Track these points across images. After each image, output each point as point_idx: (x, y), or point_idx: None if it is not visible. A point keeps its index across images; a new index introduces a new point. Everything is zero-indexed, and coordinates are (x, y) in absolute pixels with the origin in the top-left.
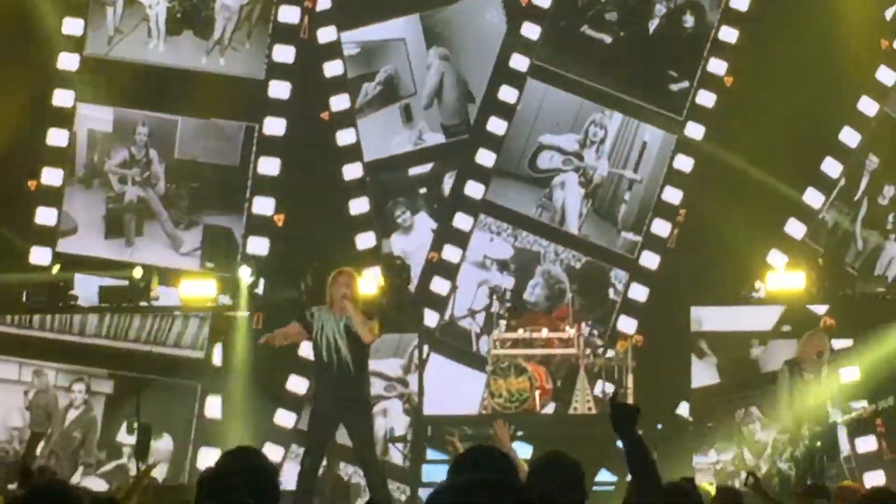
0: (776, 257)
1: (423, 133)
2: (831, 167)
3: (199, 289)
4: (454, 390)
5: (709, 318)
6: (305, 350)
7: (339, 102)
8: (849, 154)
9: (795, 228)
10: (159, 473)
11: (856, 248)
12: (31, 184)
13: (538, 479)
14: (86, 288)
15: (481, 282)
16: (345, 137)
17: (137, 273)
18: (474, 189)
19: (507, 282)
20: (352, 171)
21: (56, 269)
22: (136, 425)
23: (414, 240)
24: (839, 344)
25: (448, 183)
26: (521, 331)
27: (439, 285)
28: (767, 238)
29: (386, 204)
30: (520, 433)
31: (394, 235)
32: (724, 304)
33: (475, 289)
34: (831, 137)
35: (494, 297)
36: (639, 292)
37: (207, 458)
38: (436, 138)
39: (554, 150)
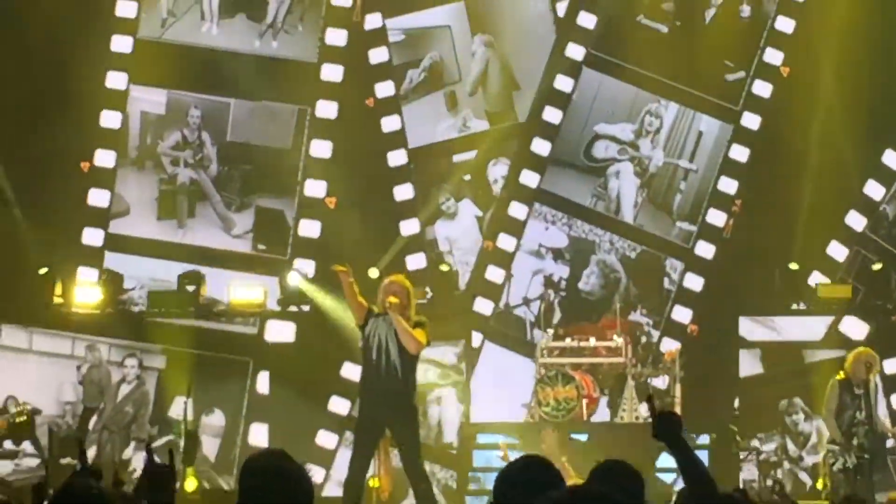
0: (836, 249)
1: (467, 120)
2: (892, 159)
3: (247, 293)
4: (508, 379)
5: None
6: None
7: (384, 89)
8: None
9: (856, 220)
10: (211, 450)
11: None
12: (84, 165)
13: (600, 487)
14: (133, 268)
15: (536, 271)
16: (390, 124)
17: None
18: (529, 178)
19: (562, 271)
20: (396, 158)
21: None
22: (182, 430)
23: (458, 226)
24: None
25: (492, 171)
26: (568, 339)
27: (494, 274)
28: (827, 230)
29: (430, 190)
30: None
31: (438, 222)
32: (771, 313)
33: (530, 277)
34: (892, 129)
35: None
36: (694, 282)
37: (257, 434)
38: (480, 125)
39: (609, 139)
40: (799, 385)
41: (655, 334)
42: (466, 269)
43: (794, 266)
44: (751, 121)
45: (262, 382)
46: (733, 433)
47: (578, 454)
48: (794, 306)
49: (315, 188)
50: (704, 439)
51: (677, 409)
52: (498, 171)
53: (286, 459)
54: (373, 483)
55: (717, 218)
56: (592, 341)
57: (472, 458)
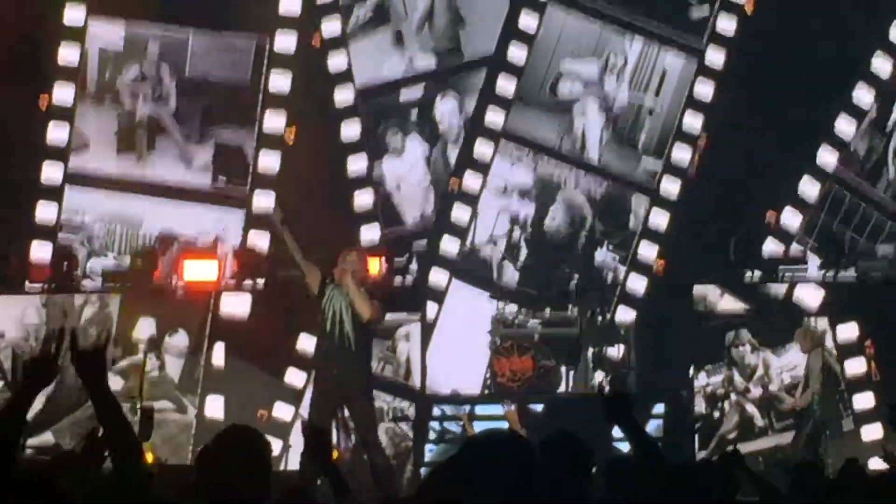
0: (808, 186)
1: (414, 57)
2: (863, 95)
3: (201, 272)
4: (475, 318)
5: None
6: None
7: (331, 27)
8: (880, 83)
9: (827, 156)
10: (175, 371)
11: (888, 177)
12: (43, 100)
13: (548, 459)
14: (93, 203)
15: (502, 209)
16: (337, 62)
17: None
18: (495, 116)
19: (528, 209)
20: (343, 96)
21: None
22: (139, 406)
23: (405, 162)
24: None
25: (439, 107)
26: (523, 311)
27: (460, 213)
28: (799, 166)
29: (377, 127)
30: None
31: (385, 158)
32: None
33: (496, 216)
34: (862, 66)
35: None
36: (660, 218)
37: (213, 407)
38: (427, 62)
39: (574, 77)
40: (745, 317)
41: (622, 270)
42: (414, 204)
43: (770, 215)
44: (716, 57)
45: (218, 354)
46: (688, 402)
47: (536, 427)
48: (748, 275)
49: (274, 121)
50: (660, 408)
51: (632, 379)
52: (445, 107)
53: (242, 429)
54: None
55: (682, 155)
56: (548, 312)
57: (427, 430)
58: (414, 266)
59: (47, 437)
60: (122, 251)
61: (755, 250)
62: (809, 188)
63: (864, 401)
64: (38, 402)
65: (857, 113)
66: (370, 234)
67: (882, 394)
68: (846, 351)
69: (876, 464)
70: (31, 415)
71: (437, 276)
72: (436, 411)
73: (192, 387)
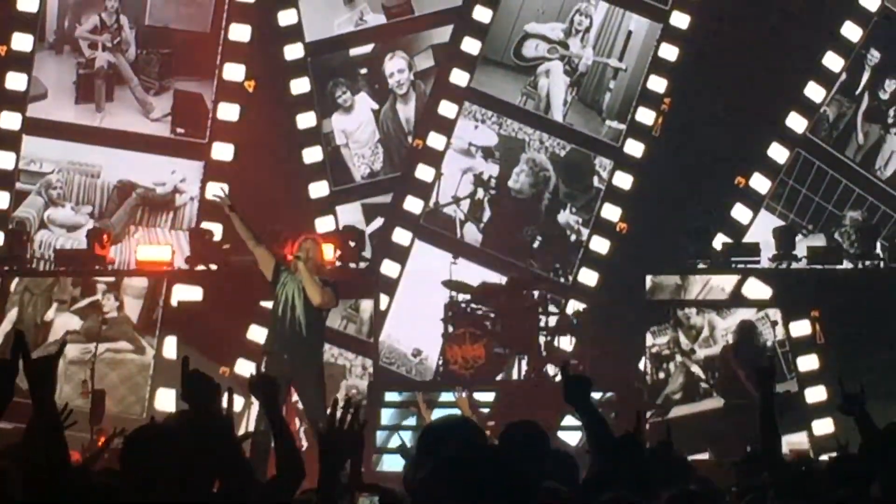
0: (777, 150)
1: (364, 14)
2: (832, 61)
3: (154, 252)
4: (438, 277)
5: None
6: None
7: None
8: (850, 48)
9: (797, 122)
10: (133, 312)
11: (856, 143)
12: (1, 49)
13: (507, 449)
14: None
15: (466, 169)
16: (286, 18)
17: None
18: (459, 77)
19: (492, 169)
20: (293, 52)
21: None
22: (90, 390)
23: (354, 119)
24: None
25: (388, 65)
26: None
27: (423, 172)
28: (768, 130)
29: (327, 84)
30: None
31: (334, 115)
32: (681, 270)
33: (459, 176)
34: (831, 32)
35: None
36: (623, 180)
37: (164, 399)
38: (377, 19)
39: (539, 38)
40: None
41: (585, 232)
42: (363, 161)
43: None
44: (680, 19)
45: (169, 347)
46: (640, 391)
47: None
48: (701, 265)
49: (234, 72)
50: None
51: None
52: (394, 64)
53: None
54: None
55: (646, 117)
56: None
57: (380, 417)
58: (367, 253)
59: None
60: (80, 201)
61: (709, 240)
62: (778, 153)
63: (808, 363)
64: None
65: (827, 78)
66: (319, 191)
67: (826, 357)
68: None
69: (821, 428)
70: None
71: (400, 235)
72: (388, 396)
73: (150, 328)
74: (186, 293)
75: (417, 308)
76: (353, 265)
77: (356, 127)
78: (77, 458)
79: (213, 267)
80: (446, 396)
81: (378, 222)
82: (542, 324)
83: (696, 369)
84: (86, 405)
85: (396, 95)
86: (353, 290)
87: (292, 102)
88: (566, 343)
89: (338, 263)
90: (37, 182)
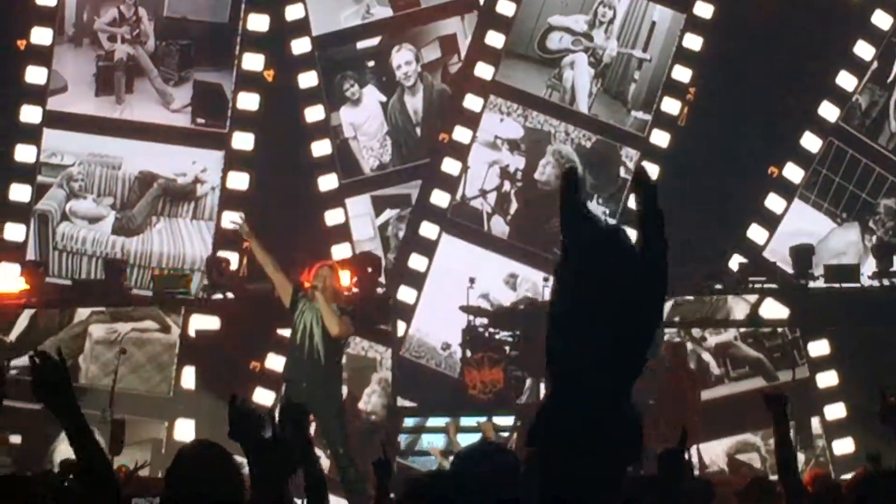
0: (810, 140)
1: (370, 7)
2: (864, 50)
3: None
4: (466, 270)
5: None
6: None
7: None
8: (881, 36)
9: (829, 111)
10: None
11: (889, 130)
12: (21, 43)
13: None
14: (72, 145)
15: (492, 162)
16: (293, 12)
17: None
18: (484, 70)
19: (518, 162)
20: (300, 46)
21: None
22: (110, 419)
23: (362, 112)
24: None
25: (396, 57)
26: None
27: (450, 166)
28: (799, 120)
29: (335, 78)
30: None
31: (342, 108)
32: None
33: (486, 169)
34: (863, 20)
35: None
36: (649, 170)
37: (183, 430)
38: (383, 12)
39: (563, 30)
40: None
41: (612, 223)
42: (371, 153)
43: (772, 170)
44: (703, 9)
45: (188, 378)
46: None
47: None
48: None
49: (253, 61)
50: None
51: None
52: (401, 57)
53: (217, 450)
54: None
55: (671, 106)
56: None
57: (399, 442)
58: (383, 279)
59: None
60: (101, 192)
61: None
62: (811, 143)
63: (819, 348)
64: (23, 323)
65: (859, 67)
66: (328, 184)
67: (838, 341)
68: None
69: (833, 413)
70: (14, 335)
71: (428, 229)
72: (407, 422)
73: (175, 306)
74: (204, 323)
75: (445, 301)
76: (374, 289)
77: (364, 119)
78: None
79: (231, 296)
80: (466, 421)
81: (387, 214)
82: None
83: (707, 357)
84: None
85: (404, 87)
86: (371, 317)
87: (300, 96)
88: None
89: (354, 290)
90: (58, 175)
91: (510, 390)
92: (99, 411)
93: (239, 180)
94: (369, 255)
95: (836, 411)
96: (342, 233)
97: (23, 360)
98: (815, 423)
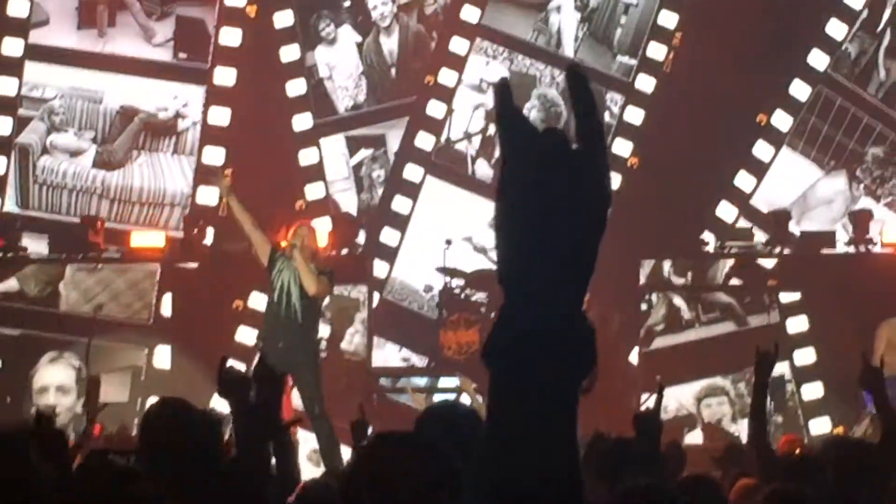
0: (799, 88)
1: None
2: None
3: (147, 239)
4: (450, 212)
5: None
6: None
7: None
8: None
9: (818, 59)
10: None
11: (878, 79)
12: None
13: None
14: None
15: (477, 105)
16: None
17: None
18: (470, 13)
19: None
20: None
21: None
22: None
23: (338, 52)
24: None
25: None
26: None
27: (435, 108)
28: (783, 70)
29: (310, 17)
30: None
31: (318, 48)
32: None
33: (471, 112)
34: None
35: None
36: (635, 115)
37: (161, 357)
38: None
39: None
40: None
41: None
42: (346, 94)
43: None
44: None
45: (168, 305)
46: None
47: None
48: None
49: None
50: None
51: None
52: None
53: (187, 408)
54: None
55: (657, 51)
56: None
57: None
58: (361, 239)
59: (12, 284)
60: (82, 126)
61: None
62: (800, 90)
63: (790, 295)
64: None
65: (849, 15)
66: (302, 123)
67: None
68: None
69: (803, 358)
70: None
71: (412, 172)
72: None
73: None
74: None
75: (429, 244)
76: (346, 251)
77: (339, 60)
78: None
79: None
80: (444, 382)
81: (362, 154)
82: None
83: (678, 301)
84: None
85: (380, 28)
86: (348, 276)
87: (275, 36)
88: None
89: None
90: (39, 108)
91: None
92: (77, 337)
93: (220, 116)
94: (347, 215)
95: (805, 356)
96: (316, 172)
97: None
98: (785, 367)
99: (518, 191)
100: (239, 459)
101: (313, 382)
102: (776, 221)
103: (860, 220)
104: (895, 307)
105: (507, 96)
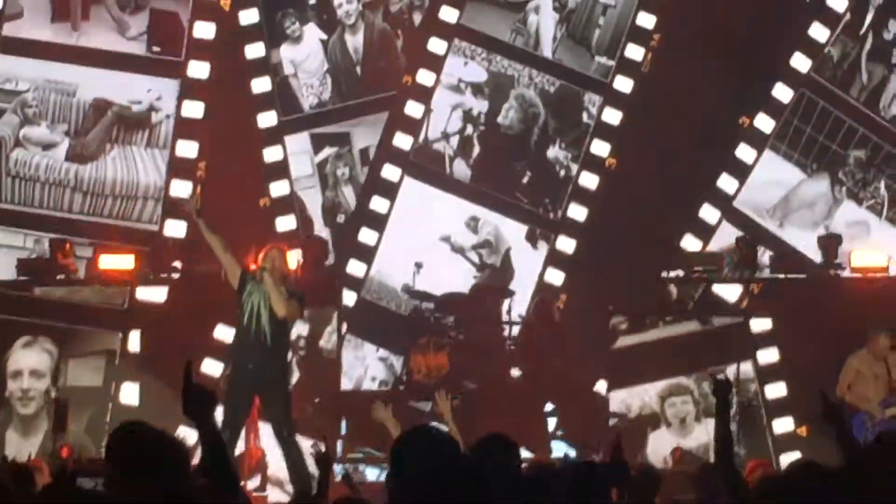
0: (781, 90)
1: None
2: (836, 1)
3: (117, 262)
4: (428, 212)
5: None
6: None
7: None
8: None
9: (801, 62)
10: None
11: (861, 82)
12: None
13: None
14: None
15: (455, 105)
16: None
17: None
18: (448, 13)
19: (482, 105)
20: None
21: None
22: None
23: (303, 50)
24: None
25: None
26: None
27: (413, 109)
28: (766, 73)
29: (276, 15)
30: None
31: (283, 45)
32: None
33: (449, 112)
34: None
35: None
36: (612, 116)
37: (129, 394)
38: None
39: None
40: None
41: (574, 167)
42: (311, 91)
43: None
44: None
45: (134, 342)
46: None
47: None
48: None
49: None
50: None
51: None
52: None
53: (151, 432)
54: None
55: (635, 53)
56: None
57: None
58: (331, 261)
59: None
60: (55, 119)
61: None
62: (782, 93)
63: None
64: None
65: (832, 18)
66: (267, 121)
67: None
68: None
69: (766, 358)
70: None
71: (390, 172)
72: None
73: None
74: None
75: (407, 244)
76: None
77: (304, 57)
78: (39, 466)
79: (176, 276)
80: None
81: (326, 151)
82: (505, 333)
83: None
84: None
85: (345, 26)
86: (318, 298)
87: (241, 33)
88: None
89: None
90: (12, 100)
91: (454, 375)
92: (52, 321)
93: (194, 109)
94: (319, 240)
95: (769, 356)
96: (281, 170)
97: None
98: (748, 367)
99: None
100: (208, 482)
101: (282, 405)
102: (824, 246)
103: (829, 245)
104: (862, 329)
105: None
